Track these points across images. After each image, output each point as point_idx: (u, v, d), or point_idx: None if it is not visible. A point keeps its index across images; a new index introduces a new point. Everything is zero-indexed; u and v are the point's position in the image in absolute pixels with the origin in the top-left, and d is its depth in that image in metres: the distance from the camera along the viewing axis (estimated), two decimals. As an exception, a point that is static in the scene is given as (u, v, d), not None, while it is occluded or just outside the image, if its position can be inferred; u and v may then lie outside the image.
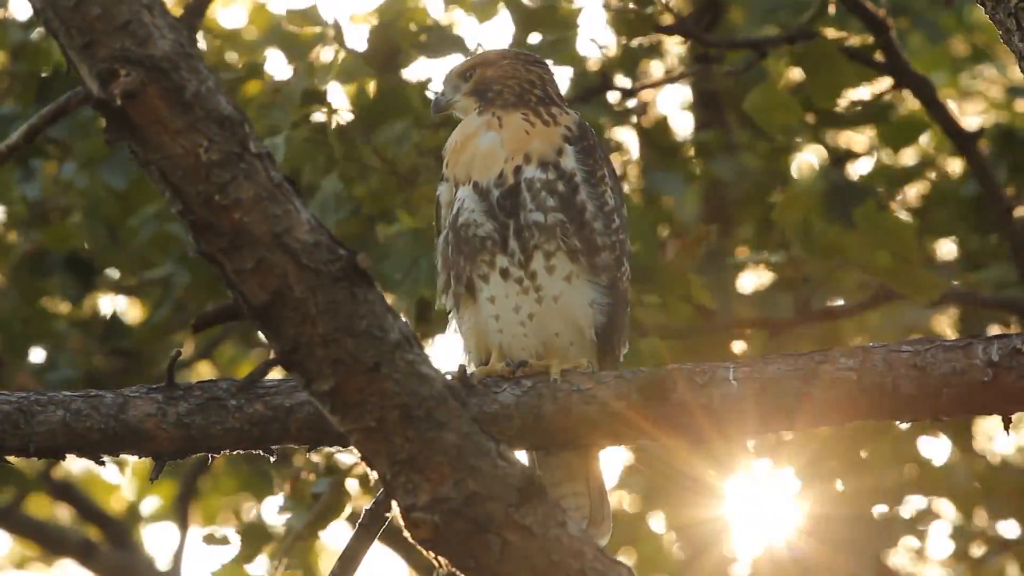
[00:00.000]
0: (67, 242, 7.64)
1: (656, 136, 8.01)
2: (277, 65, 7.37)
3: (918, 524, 8.38)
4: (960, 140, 7.23)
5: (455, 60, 6.96)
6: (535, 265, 4.28)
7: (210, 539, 6.58)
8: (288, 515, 6.31)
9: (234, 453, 4.15)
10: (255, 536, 6.53)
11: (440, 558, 3.39)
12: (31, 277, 7.75)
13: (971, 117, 8.79)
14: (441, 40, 6.83)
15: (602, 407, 4.12)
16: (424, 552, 3.38)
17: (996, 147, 7.70)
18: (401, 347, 3.28)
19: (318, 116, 6.50)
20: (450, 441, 3.29)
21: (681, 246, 6.64)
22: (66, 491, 9.56)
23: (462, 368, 4.14)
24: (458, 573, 3.42)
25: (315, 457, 6.41)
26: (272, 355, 3.29)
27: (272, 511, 6.74)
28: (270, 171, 3.21)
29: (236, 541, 6.51)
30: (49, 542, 9.40)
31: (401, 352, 3.27)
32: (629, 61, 7.58)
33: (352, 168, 6.48)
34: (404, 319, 3.33)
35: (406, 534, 3.35)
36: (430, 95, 6.67)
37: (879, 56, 7.02)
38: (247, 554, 6.48)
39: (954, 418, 4.09)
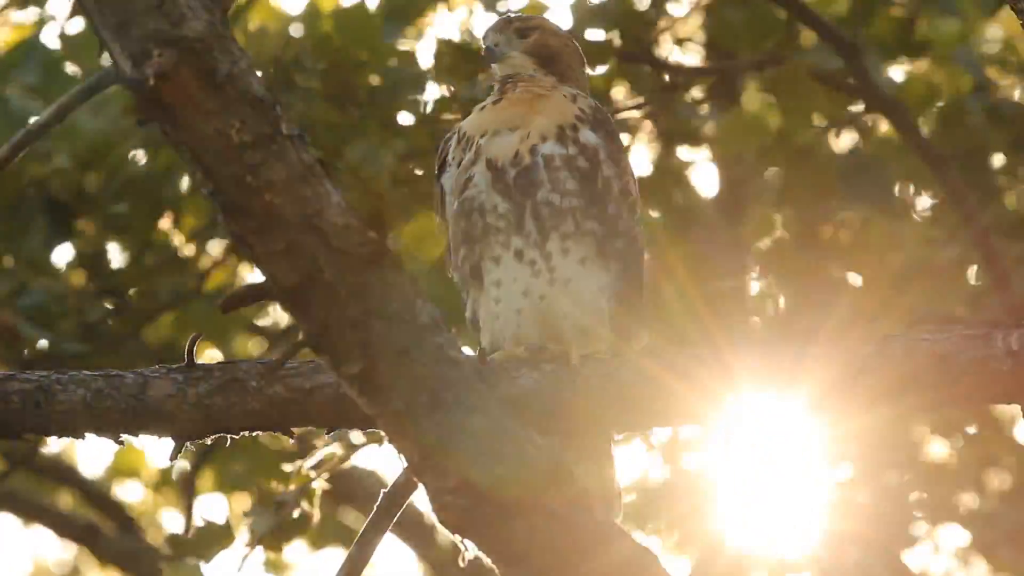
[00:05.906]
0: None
1: None
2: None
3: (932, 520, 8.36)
4: (935, 164, 7.17)
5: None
6: (551, 247, 4.22)
7: (174, 540, 6.58)
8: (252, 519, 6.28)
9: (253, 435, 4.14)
10: (215, 536, 6.47)
11: (466, 541, 3.40)
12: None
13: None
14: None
15: (620, 392, 4.10)
16: (451, 535, 3.39)
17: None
18: (430, 330, 3.28)
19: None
20: (478, 425, 3.29)
21: None
22: (70, 474, 9.49)
23: (482, 352, 4.12)
24: (483, 556, 3.43)
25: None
26: (300, 337, 3.29)
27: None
28: (301, 153, 3.21)
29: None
30: (54, 526, 9.33)
31: (430, 335, 3.27)
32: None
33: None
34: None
35: (434, 517, 3.35)
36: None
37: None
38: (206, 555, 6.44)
39: (973, 407, 4.10)
